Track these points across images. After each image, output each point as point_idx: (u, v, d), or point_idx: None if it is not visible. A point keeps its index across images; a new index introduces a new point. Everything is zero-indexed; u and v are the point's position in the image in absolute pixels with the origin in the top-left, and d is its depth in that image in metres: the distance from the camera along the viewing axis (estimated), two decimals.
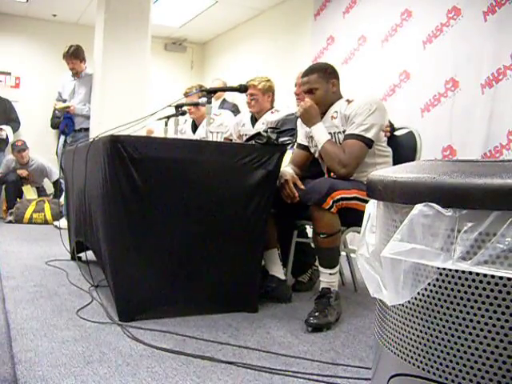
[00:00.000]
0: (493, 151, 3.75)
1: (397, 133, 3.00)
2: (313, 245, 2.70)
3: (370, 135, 2.61)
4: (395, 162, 2.82)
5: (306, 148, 3.04)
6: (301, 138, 3.08)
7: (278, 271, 2.90)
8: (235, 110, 5.26)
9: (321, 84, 2.75)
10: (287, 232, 3.07)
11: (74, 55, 5.76)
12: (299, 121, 3.12)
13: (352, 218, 2.49)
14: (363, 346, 2.22)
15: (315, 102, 2.75)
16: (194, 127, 4.35)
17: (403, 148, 2.92)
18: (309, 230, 3.39)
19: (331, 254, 2.53)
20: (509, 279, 0.88)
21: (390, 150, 2.83)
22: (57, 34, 7.73)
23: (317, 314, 2.44)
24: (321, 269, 2.56)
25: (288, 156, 3.04)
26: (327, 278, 2.54)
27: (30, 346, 2.02)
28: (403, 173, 1.07)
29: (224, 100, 6.14)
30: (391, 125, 2.93)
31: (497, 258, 0.89)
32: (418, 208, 0.97)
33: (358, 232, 2.84)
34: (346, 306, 2.74)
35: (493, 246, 0.89)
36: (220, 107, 5.77)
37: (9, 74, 7.75)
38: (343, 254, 2.84)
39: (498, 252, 0.89)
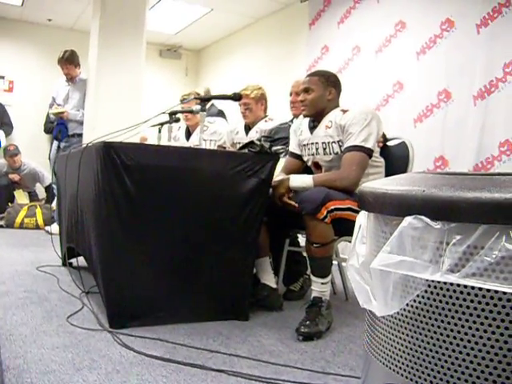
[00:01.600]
0: (484, 162, 3.78)
1: (389, 143, 3.02)
2: (305, 254, 2.70)
3: (369, 145, 2.63)
4: (387, 173, 2.83)
5: (297, 157, 3.05)
6: (293, 147, 3.09)
7: (269, 279, 2.90)
8: (221, 116, 5.21)
9: (318, 87, 2.79)
10: (279, 240, 3.07)
11: (69, 60, 5.76)
12: (292, 129, 3.13)
13: (345, 227, 2.50)
14: (354, 356, 2.22)
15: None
16: (188, 134, 4.36)
17: (396, 158, 2.93)
18: (300, 239, 3.40)
19: (324, 263, 2.54)
20: (496, 291, 0.90)
21: (382, 160, 2.85)
22: (51, 38, 7.74)
23: (308, 322, 2.44)
24: (313, 278, 2.56)
25: (280, 165, 3.05)
26: (319, 287, 2.54)
27: (19, 352, 2.00)
28: (393, 185, 1.08)
29: (212, 105, 6.07)
30: (384, 135, 2.95)
31: (484, 270, 0.90)
32: (408, 220, 0.98)
33: (350, 242, 2.86)
34: (336, 315, 2.74)
35: (480, 258, 0.90)
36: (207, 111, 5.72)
37: (2, 77, 7.74)
38: (335, 263, 2.85)
39: (486, 265, 0.90)
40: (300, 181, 2.71)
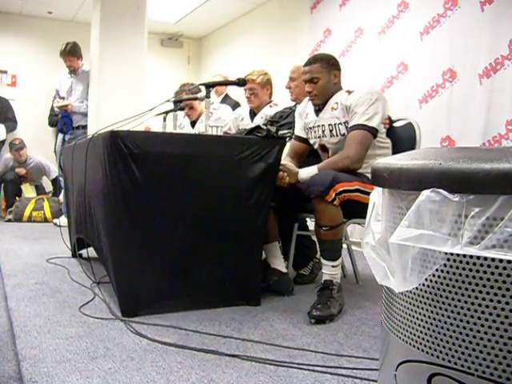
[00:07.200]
0: (491, 141, 3.76)
1: (395, 124, 3.00)
2: (314, 237, 2.69)
3: (373, 124, 2.61)
4: (394, 154, 2.81)
5: (303, 140, 3.04)
6: (298, 131, 3.08)
7: (279, 264, 2.90)
8: (237, 107, 5.18)
9: (323, 74, 2.75)
10: (288, 225, 3.07)
11: (71, 53, 5.75)
12: (296, 112, 3.12)
13: (353, 209, 2.50)
14: (366, 337, 2.23)
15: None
16: (193, 122, 4.34)
17: (402, 139, 2.92)
18: (309, 223, 3.39)
19: (334, 246, 2.53)
20: None
21: (389, 141, 2.84)
22: (52, 31, 7.72)
23: (319, 306, 2.44)
24: (323, 261, 2.56)
25: (286, 149, 3.04)
26: (329, 270, 2.54)
27: (34, 342, 2.01)
28: (409, 160, 1.06)
29: (226, 96, 6.01)
30: (389, 117, 2.93)
31: (505, 242, 0.89)
32: (425, 194, 0.97)
33: (359, 224, 2.85)
34: (348, 297, 2.74)
35: (500, 230, 0.89)
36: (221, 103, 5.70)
37: (5, 72, 7.73)
38: (344, 246, 2.84)
39: (506, 236, 0.88)
40: (307, 171, 2.70)
